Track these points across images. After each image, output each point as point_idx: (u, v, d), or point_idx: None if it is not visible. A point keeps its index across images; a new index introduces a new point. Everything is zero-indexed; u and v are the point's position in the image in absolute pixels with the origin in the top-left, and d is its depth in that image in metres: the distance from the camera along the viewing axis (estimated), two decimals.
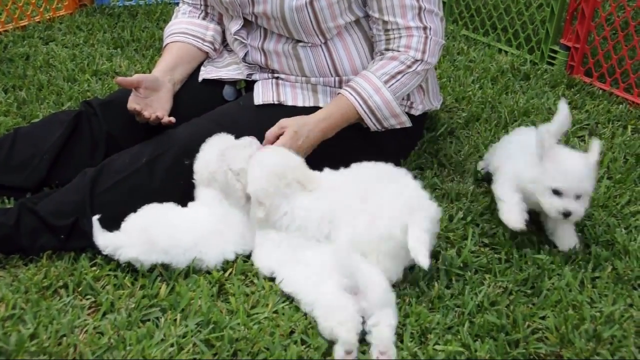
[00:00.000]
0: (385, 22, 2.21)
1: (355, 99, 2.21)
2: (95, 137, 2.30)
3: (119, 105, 2.35)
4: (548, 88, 3.23)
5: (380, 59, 2.24)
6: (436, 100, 2.55)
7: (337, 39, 2.28)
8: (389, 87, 2.20)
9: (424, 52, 2.22)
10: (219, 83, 2.45)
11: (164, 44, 2.50)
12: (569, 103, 3.07)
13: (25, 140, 2.24)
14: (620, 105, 3.04)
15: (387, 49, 2.24)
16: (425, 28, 2.21)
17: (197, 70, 2.49)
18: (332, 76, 2.31)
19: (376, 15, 2.22)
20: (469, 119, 2.92)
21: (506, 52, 3.67)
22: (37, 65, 3.25)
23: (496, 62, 3.51)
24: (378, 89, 2.20)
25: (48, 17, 3.85)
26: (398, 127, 2.30)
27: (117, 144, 2.28)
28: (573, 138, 2.76)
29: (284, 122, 2.13)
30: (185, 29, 2.49)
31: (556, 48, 3.43)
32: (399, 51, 2.22)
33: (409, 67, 2.21)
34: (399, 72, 2.21)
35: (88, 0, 4.11)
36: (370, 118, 2.23)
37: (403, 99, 2.36)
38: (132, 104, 2.23)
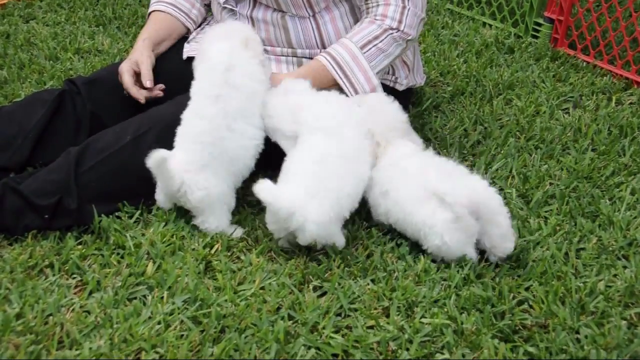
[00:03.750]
0: None
1: (330, 63, 2.20)
2: (79, 115, 2.29)
3: (102, 83, 2.34)
4: (532, 61, 3.23)
5: (360, 24, 2.24)
6: (419, 76, 2.55)
7: (325, 12, 2.27)
8: (365, 52, 2.20)
9: (400, 21, 2.21)
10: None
11: (150, 9, 2.47)
12: (554, 76, 3.08)
13: (7, 119, 2.21)
14: (605, 77, 3.05)
15: (366, 18, 2.24)
16: None
17: (179, 45, 2.46)
18: (318, 48, 2.30)
19: None
20: (454, 93, 2.92)
21: (490, 25, 3.66)
22: (17, 44, 3.20)
23: (480, 36, 3.51)
24: (355, 56, 2.19)
25: None
26: (369, 91, 2.25)
27: (101, 122, 2.26)
28: (557, 111, 2.77)
29: None
30: (175, 0, 2.46)
31: (540, 21, 3.42)
32: (375, 19, 2.21)
33: (385, 31, 2.20)
34: (375, 37, 2.21)
35: None
36: (345, 83, 2.21)
37: (387, 72, 2.35)
38: (135, 89, 2.23)
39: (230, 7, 2.32)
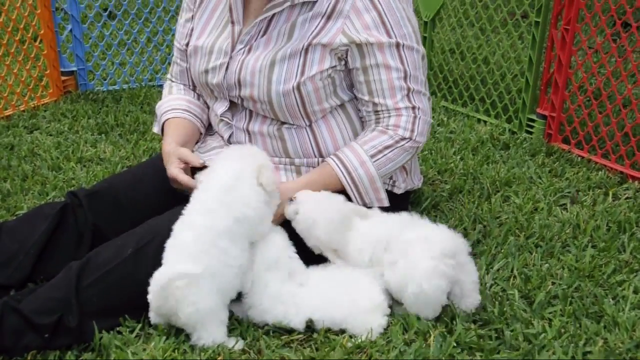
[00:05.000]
0: (375, 104, 2.26)
1: (340, 168, 2.24)
2: (80, 228, 2.30)
3: (104, 195, 2.37)
4: (528, 157, 3.28)
5: (371, 131, 2.28)
6: (417, 178, 2.58)
7: (322, 121, 2.32)
8: (375, 161, 2.24)
9: (412, 130, 2.26)
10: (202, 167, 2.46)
11: (167, 117, 2.46)
12: (550, 171, 3.12)
13: (8, 236, 2.23)
14: (600, 172, 3.09)
15: (376, 127, 2.29)
16: (414, 108, 2.26)
17: None
18: (315, 157, 2.34)
19: (366, 97, 2.27)
20: (452, 192, 2.95)
21: (485, 122, 3.74)
22: (21, 155, 3.27)
23: (476, 133, 3.57)
24: (363, 162, 2.24)
25: (33, 106, 3.90)
26: (376, 204, 2.31)
27: (103, 234, 2.27)
28: (555, 207, 2.79)
29: None
30: (188, 107, 2.49)
31: (533, 117, 3.50)
32: (387, 129, 2.26)
33: (397, 142, 2.25)
34: (386, 147, 2.25)
35: (72, 86, 4.17)
36: (352, 189, 2.26)
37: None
38: (192, 182, 2.20)
39: (226, 119, 2.38)
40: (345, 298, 2.06)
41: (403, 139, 2.26)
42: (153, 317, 2.04)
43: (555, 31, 3.30)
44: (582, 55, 3.50)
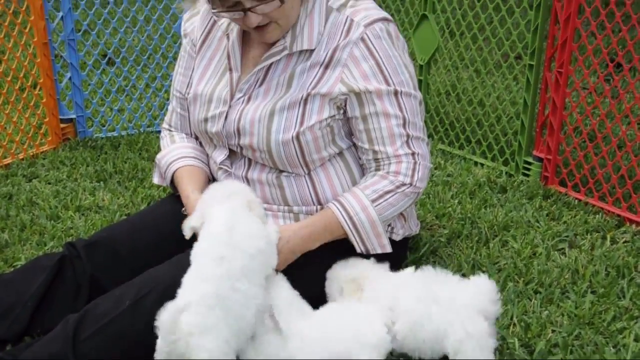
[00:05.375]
0: (375, 152, 2.28)
1: (341, 213, 2.25)
2: (78, 280, 2.30)
3: (102, 246, 2.37)
4: (525, 200, 3.29)
5: (372, 176, 2.30)
6: (414, 224, 2.59)
7: (320, 169, 2.34)
8: (376, 205, 2.25)
9: (412, 176, 2.28)
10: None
11: (178, 165, 2.45)
12: (547, 214, 3.13)
13: (5, 288, 2.23)
14: (597, 215, 3.09)
15: (377, 173, 2.30)
16: (413, 154, 2.28)
17: (180, 202, 2.50)
18: (314, 205, 2.35)
19: (366, 146, 2.28)
20: (451, 237, 2.96)
21: (482, 164, 3.76)
22: (20, 205, 3.27)
23: (473, 176, 3.59)
24: (365, 207, 2.24)
25: (32, 154, 3.92)
26: (379, 250, 2.31)
27: (101, 285, 2.27)
28: (554, 252, 2.79)
29: None
30: (195, 154, 2.50)
31: (530, 159, 3.52)
32: (388, 175, 2.28)
33: (398, 187, 2.27)
34: (387, 192, 2.26)
35: (71, 133, 4.20)
36: (353, 234, 2.26)
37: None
38: None
39: (225, 167, 2.39)
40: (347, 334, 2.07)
41: (404, 184, 2.27)
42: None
43: (549, 74, 3.33)
44: (576, 96, 3.53)
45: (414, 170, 2.28)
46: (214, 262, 2.00)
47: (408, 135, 2.27)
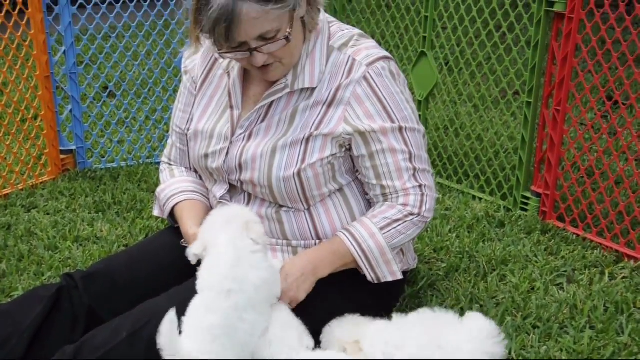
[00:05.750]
0: (383, 187, 2.30)
1: (350, 240, 2.26)
2: (76, 311, 2.29)
3: (101, 277, 2.36)
4: (523, 235, 3.29)
5: (380, 206, 2.32)
6: (412, 258, 2.60)
7: (320, 205, 2.35)
8: (384, 233, 2.27)
9: (420, 207, 2.30)
10: None
11: (179, 199, 2.46)
12: (545, 249, 3.13)
13: (2, 319, 2.21)
14: (595, 251, 3.10)
15: (385, 203, 2.32)
16: (421, 186, 2.30)
17: (178, 234, 2.50)
18: (313, 239, 2.36)
19: (374, 182, 2.30)
20: (449, 270, 2.96)
21: (480, 199, 3.77)
22: (18, 235, 3.27)
23: (471, 210, 3.60)
24: (373, 234, 2.26)
25: (31, 184, 3.92)
26: (390, 278, 2.32)
27: (99, 316, 2.26)
28: (552, 287, 2.79)
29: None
30: (195, 188, 2.50)
31: (528, 194, 3.53)
32: (396, 206, 2.30)
33: (406, 216, 2.29)
34: (395, 220, 2.28)
35: (71, 164, 4.21)
36: (363, 261, 2.27)
37: None
38: None
39: (225, 202, 2.40)
40: None
41: (411, 214, 2.29)
42: None
43: (547, 111, 3.37)
44: (574, 133, 3.56)
45: (421, 202, 2.30)
46: (222, 296, 2.02)
47: (415, 169, 2.29)
